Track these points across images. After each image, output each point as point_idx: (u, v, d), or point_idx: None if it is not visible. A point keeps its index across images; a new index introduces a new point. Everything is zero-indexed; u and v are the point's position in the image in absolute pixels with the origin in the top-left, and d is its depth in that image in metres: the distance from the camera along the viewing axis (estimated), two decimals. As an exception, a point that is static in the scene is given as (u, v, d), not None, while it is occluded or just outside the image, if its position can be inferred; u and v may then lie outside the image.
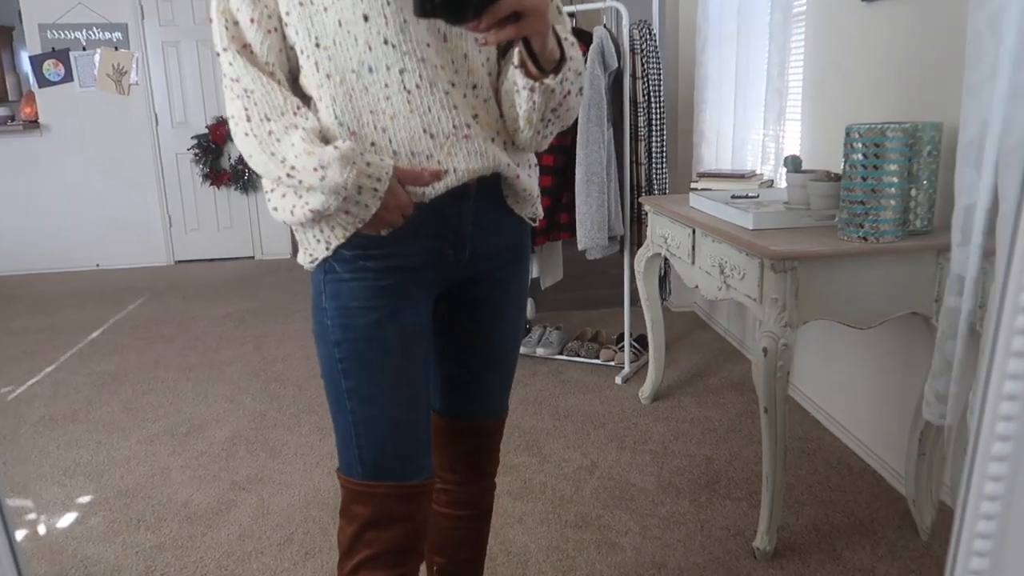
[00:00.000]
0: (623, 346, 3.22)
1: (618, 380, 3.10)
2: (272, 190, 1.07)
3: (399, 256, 1.08)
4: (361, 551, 1.13)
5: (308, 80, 1.06)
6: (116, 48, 5.58)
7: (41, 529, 2.17)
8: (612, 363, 3.25)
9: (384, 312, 1.08)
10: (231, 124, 1.05)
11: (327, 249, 1.07)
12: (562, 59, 1.04)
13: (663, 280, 3.28)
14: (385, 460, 1.11)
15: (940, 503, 1.98)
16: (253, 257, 6.03)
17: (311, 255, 1.10)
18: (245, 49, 1.03)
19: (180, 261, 5.95)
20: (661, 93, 3.11)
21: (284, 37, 1.05)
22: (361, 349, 1.08)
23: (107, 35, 5.55)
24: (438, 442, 1.21)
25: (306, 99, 1.08)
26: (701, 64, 3.48)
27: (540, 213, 1.23)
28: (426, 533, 1.19)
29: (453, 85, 1.04)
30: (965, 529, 0.58)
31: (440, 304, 1.19)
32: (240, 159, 5.77)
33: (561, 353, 3.37)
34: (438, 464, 1.19)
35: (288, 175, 1.00)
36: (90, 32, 5.53)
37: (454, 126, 1.04)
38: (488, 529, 1.45)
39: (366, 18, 0.99)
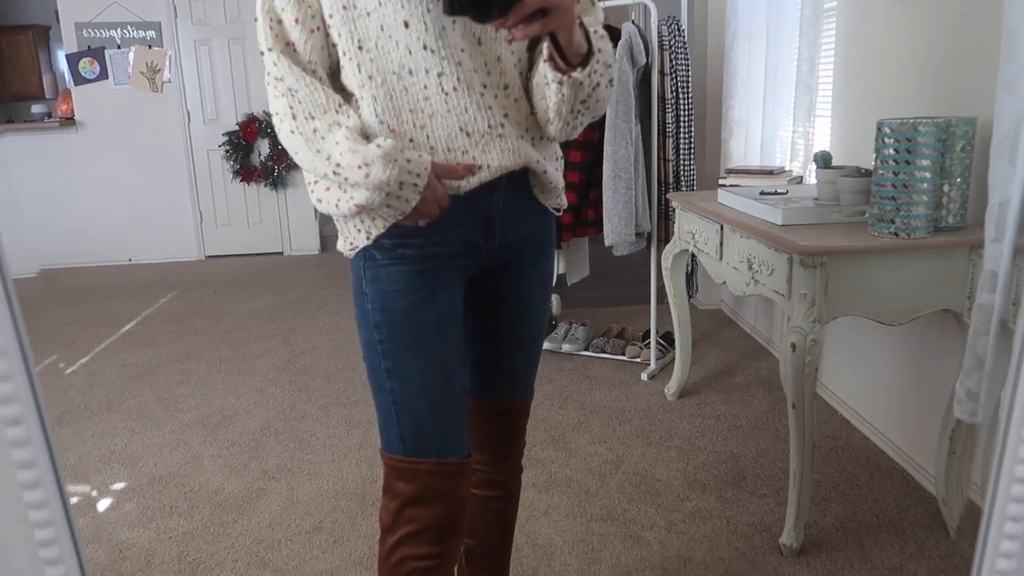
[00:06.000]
0: (649, 343, 3.22)
1: (644, 376, 3.10)
2: (315, 182, 1.11)
3: (435, 244, 1.13)
4: (403, 527, 1.16)
5: (350, 80, 1.09)
6: (150, 46, 5.67)
7: (78, 514, 2.22)
8: (638, 360, 3.24)
9: (421, 295, 1.12)
10: (275, 120, 1.09)
11: (367, 239, 1.12)
12: (590, 52, 1.06)
13: (690, 277, 3.27)
14: (424, 438, 1.15)
15: (969, 502, 1.96)
16: (282, 252, 6.10)
17: (351, 243, 1.15)
18: (288, 48, 1.07)
19: (211, 256, 6.04)
20: (689, 89, 3.10)
21: (327, 35, 1.08)
22: (399, 330, 1.12)
23: (141, 34, 5.65)
24: (467, 423, 1.24)
25: (346, 96, 1.11)
26: (730, 59, 3.46)
27: (564, 203, 1.27)
28: (465, 513, 1.22)
29: (486, 87, 1.08)
30: (992, 529, 0.58)
31: (470, 288, 1.22)
32: (270, 156, 5.84)
33: (587, 349, 3.37)
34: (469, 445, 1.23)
35: (334, 172, 1.05)
36: (125, 31, 5.64)
37: (489, 126, 1.09)
38: (515, 512, 1.48)
39: (407, 24, 1.03)
